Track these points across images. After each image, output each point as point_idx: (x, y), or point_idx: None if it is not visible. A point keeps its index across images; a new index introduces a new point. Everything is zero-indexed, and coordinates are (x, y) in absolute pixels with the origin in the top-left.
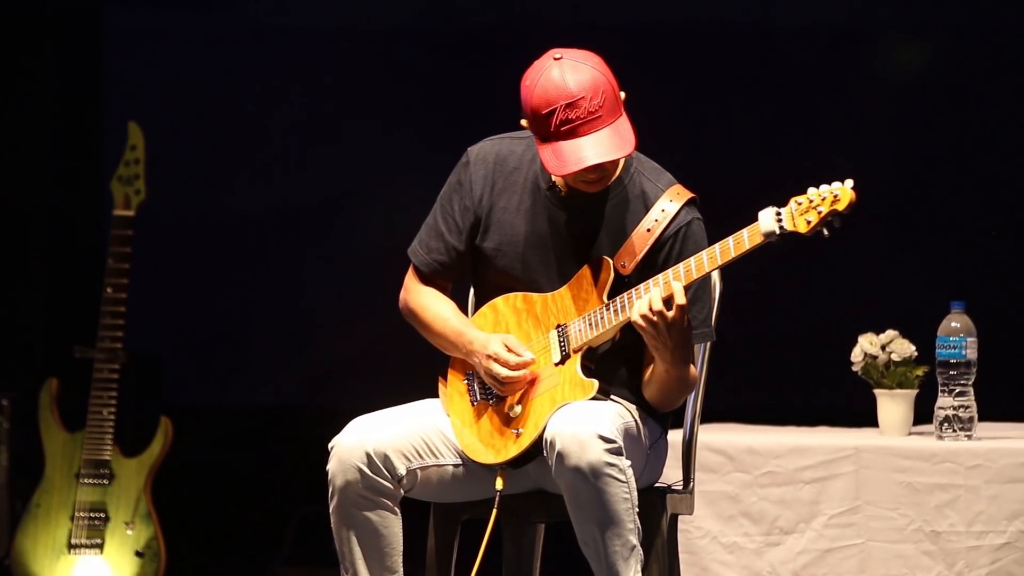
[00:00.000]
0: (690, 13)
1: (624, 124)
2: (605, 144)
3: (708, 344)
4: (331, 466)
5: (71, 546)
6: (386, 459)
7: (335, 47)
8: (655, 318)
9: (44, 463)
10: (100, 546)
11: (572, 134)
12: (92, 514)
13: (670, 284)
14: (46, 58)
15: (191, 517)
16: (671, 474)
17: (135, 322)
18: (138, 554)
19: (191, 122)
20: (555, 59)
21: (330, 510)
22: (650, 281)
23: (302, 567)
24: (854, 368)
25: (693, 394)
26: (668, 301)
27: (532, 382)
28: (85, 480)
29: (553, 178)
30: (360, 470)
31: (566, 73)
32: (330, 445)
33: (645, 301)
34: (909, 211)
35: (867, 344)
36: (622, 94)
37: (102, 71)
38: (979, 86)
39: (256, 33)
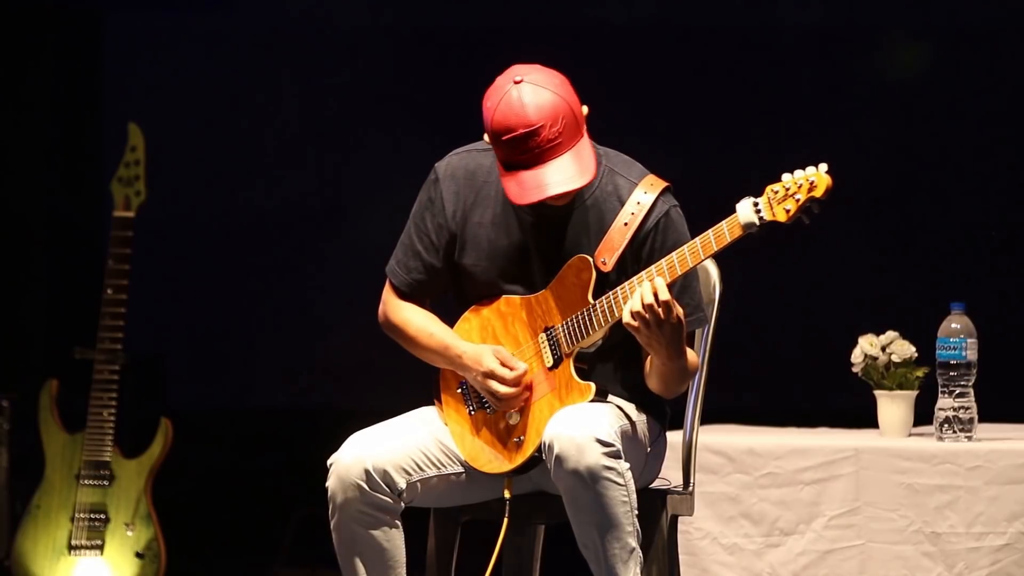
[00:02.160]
0: (690, 14)
1: (585, 147)
2: (566, 171)
3: (708, 345)
4: (331, 483)
5: (71, 547)
6: (385, 475)
7: (336, 48)
8: (647, 315)
9: (44, 464)
10: (100, 547)
11: (532, 162)
12: (92, 515)
13: (652, 283)
14: (46, 60)
15: (191, 518)
16: (671, 475)
17: (135, 323)
18: (138, 555)
19: (191, 123)
20: (515, 82)
21: (331, 527)
22: (634, 279)
23: (301, 568)
24: (854, 369)
25: (693, 395)
26: (654, 298)
27: (529, 387)
28: (85, 481)
29: None
30: (360, 487)
31: (525, 98)
32: (329, 462)
33: (636, 300)
34: (909, 212)
35: (867, 345)
36: (584, 109)
37: (102, 73)
38: (979, 87)
39: (256, 34)
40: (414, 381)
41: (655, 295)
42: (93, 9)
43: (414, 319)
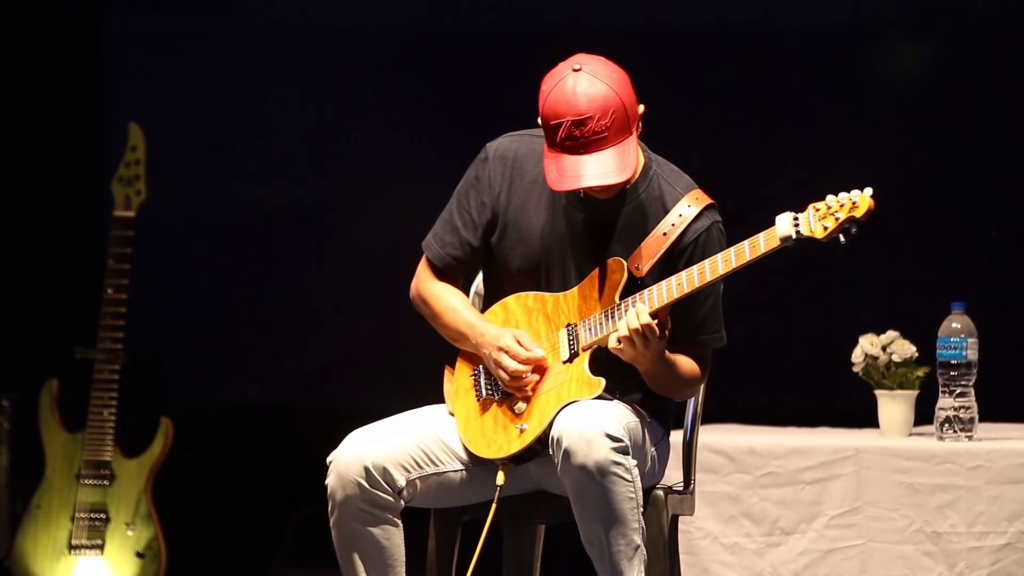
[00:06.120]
0: (691, 14)
1: (630, 146)
2: (606, 166)
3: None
4: (330, 481)
5: (71, 547)
6: (385, 472)
7: (336, 47)
8: (635, 338)
9: (44, 464)
10: (101, 547)
11: (576, 151)
12: (92, 515)
13: (636, 309)
14: (46, 59)
15: (192, 518)
16: (672, 475)
17: (135, 323)
18: (139, 555)
19: (191, 122)
20: (574, 69)
21: (331, 525)
22: (662, 283)
23: (302, 568)
24: (855, 369)
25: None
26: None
27: (540, 378)
28: (85, 481)
29: None
30: (359, 484)
31: (579, 87)
32: (328, 460)
33: (623, 327)
34: (910, 211)
35: (868, 345)
36: (641, 108)
37: (102, 72)
38: (979, 86)
39: (256, 33)
40: (414, 381)
41: (638, 320)
42: (93, 9)
43: (443, 295)
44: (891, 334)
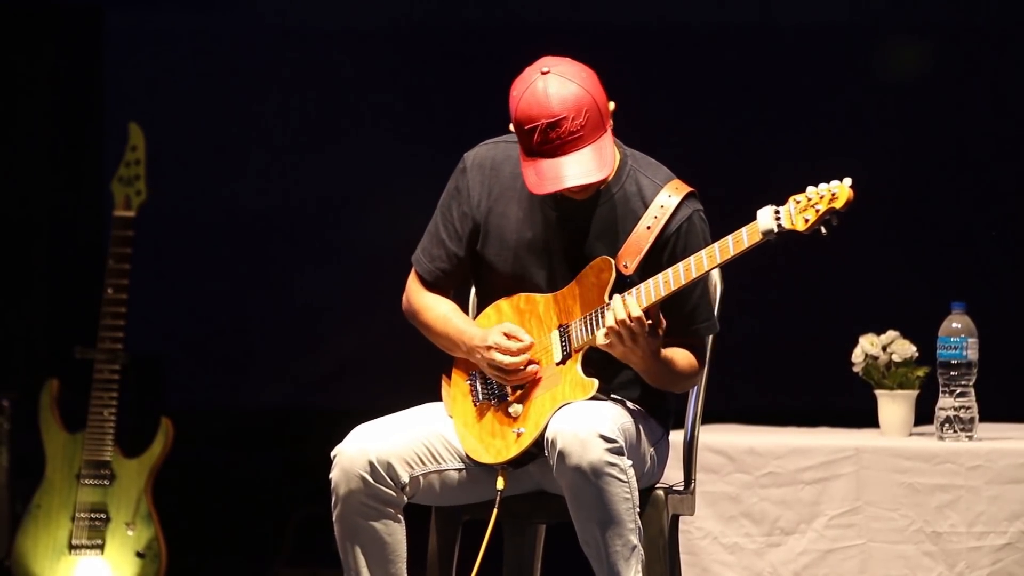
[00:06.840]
0: (690, 14)
1: (606, 142)
2: (585, 165)
3: (711, 343)
4: (334, 475)
5: (72, 547)
6: (389, 467)
7: (336, 47)
8: (621, 331)
9: (45, 464)
10: (101, 547)
11: (552, 153)
12: (93, 515)
13: (625, 303)
14: (46, 59)
15: (192, 518)
16: (672, 475)
17: (136, 323)
18: (139, 555)
19: (191, 122)
20: (542, 72)
21: (333, 519)
22: (649, 281)
23: (302, 568)
24: (855, 369)
25: (694, 395)
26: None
27: (534, 381)
28: (86, 481)
29: None
30: (363, 479)
31: (550, 89)
32: (332, 454)
33: (610, 319)
34: (910, 211)
35: (868, 345)
36: (611, 104)
37: (102, 71)
38: (979, 86)
39: (256, 33)
40: (414, 380)
41: (627, 313)
42: (93, 8)
43: (434, 305)
44: (891, 334)
